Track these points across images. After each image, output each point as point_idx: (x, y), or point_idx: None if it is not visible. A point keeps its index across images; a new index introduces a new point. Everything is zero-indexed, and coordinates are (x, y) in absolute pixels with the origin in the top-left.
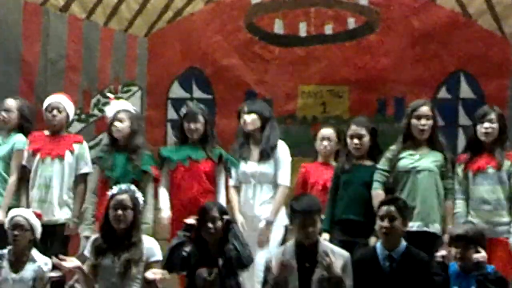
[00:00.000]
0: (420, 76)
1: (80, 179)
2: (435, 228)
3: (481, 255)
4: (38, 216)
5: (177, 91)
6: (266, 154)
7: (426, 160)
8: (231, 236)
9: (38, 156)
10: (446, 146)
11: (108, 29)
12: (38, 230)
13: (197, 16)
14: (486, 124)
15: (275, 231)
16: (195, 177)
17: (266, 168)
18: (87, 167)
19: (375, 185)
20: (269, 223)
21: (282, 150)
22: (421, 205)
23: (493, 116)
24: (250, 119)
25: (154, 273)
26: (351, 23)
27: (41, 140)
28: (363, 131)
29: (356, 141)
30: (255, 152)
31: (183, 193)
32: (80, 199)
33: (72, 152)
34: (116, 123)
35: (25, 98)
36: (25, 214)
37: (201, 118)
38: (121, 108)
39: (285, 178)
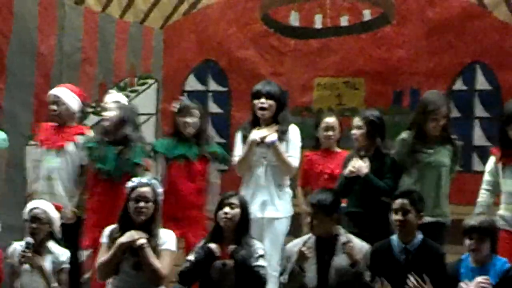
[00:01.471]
0: (436, 67)
1: (82, 170)
2: (446, 220)
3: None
4: (58, 208)
5: (192, 83)
6: (281, 137)
7: (439, 155)
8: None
9: (42, 148)
10: (456, 139)
11: (123, 21)
12: (57, 223)
13: (212, 8)
14: None
15: (280, 223)
16: (189, 176)
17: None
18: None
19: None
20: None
21: (294, 132)
22: (433, 199)
23: None
24: (266, 104)
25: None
26: (367, 14)
27: (47, 132)
28: (360, 123)
29: (355, 131)
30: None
31: (177, 191)
32: (81, 189)
33: (75, 143)
34: (104, 113)
35: (41, 91)
36: (44, 206)
37: (196, 112)
38: (112, 99)
39: (294, 158)
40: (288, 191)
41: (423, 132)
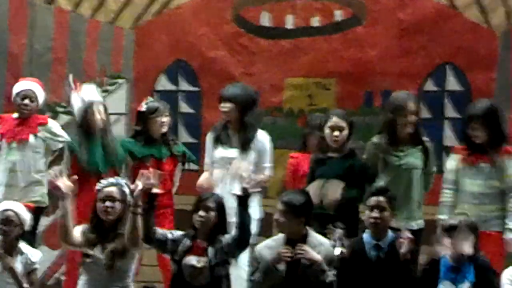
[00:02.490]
0: (407, 68)
1: (57, 156)
2: (419, 224)
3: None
4: (29, 208)
5: (164, 83)
6: (246, 144)
7: (410, 157)
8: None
9: (4, 141)
10: (427, 141)
11: (94, 21)
12: (27, 223)
13: (184, 8)
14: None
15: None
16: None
17: (247, 157)
18: (59, 143)
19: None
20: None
21: (263, 140)
22: (405, 202)
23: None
24: (226, 108)
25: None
26: (338, 15)
27: (9, 124)
28: (343, 124)
29: (336, 133)
30: (234, 138)
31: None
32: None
33: (35, 135)
34: (96, 115)
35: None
36: (16, 208)
37: (167, 112)
38: (93, 99)
39: (268, 167)
40: (257, 194)
41: (394, 134)
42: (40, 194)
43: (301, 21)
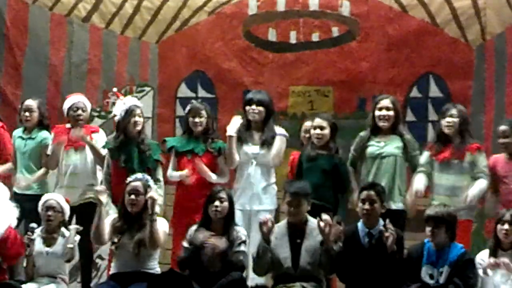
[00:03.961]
0: (395, 77)
1: (103, 158)
2: (398, 206)
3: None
4: (67, 201)
5: (184, 91)
6: (268, 142)
7: (390, 146)
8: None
9: (62, 148)
10: (406, 132)
11: (124, 36)
12: (67, 212)
13: (201, 25)
14: (448, 119)
15: (264, 215)
16: (196, 169)
17: (267, 152)
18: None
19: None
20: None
21: (280, 134)
22: (386, 187)
23: (454, 111)
24: (258, 110)
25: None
26: (335, 31)
27: (64, 133)
28: (324, 124)
29: (318, 131)
30: (257, 137)
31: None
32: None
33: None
34: (137, 119)
35: (52, 97)
36: (57, 198)
37: (204, 113)
38: (134, 104)
39: (277, 158)
40: (274, 187)
41: (376, 128)
42: (94, 193)
43: (303, 37)
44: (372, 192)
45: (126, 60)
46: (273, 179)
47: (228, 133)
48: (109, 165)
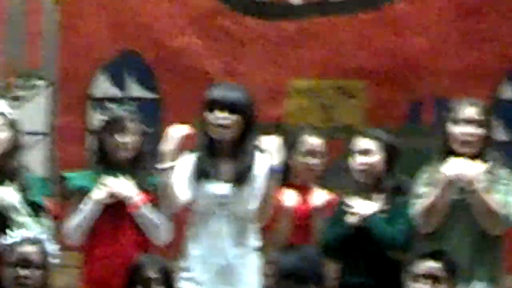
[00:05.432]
0: (472, 65)
1: None
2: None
3: None
4: None
5: (104, 87)
6: (245, 176)
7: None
8: None
9: None
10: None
11: None
12: None
13: None
14: None
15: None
16: (121, 222)
17: (243, 195)
18: None
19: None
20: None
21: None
22: (466, 255)
23: None
24: (230, 121)
25: None
26: None
27: None
28: (372, 146)
29: (362, 159)
30: (226, 167)
31: (104, 246)
32: None
33: None
34: None
35: None
36: None
37: (132, 127)
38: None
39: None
40: (256, 256)
41: (450, 154)
42: None
43: None
44: (437, 265)
45: (1, 33)
46: (254, 242)
47: (160, 149)
48: None
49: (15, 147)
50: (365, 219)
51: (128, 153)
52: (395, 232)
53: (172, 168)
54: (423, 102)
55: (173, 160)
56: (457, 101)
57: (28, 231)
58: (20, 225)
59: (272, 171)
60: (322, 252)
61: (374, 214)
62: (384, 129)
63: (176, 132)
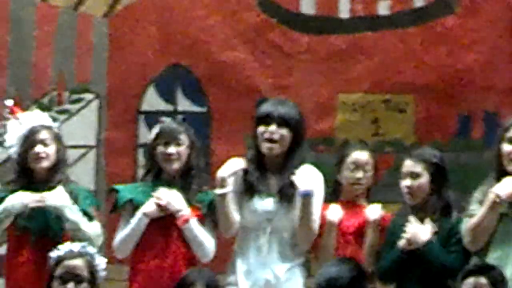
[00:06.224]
0: None
1: None
2: None
3: None
4: None
5: (153, 101)
6: (289, 189)
7: None
8: None
9: None
10: None
11: (48, 5)
12: None
13: None
14: None
15: None
16: (169, 236)
17: (290, 211)
18: None
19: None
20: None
21: (315, 181)
22: None
23: None
24: (280, 135)
25: None
26: None
27: None
28: (418, 168)
29: (408, 182)
30: (274, 182)
31: (151, 259)
32: None
33: None
34: (38, 149)
35: None
36: None
37: (184, 139)
38: (37, 123)
39: (315, 221)
40: (301, 271)
41: (502, 173)
42: None
43: (362, 7)
44: (483, 280)
45: (52, 46)
46: (300, 258)
47: (218, 175)
48: None
49: (61, 160)
50: (422, 246)
51: (178, 165)
52: (453, 261)
53: (228, 193)
54: (472, 116)
55: (227, 185)
56: (511, 119)
57: (76, 245)
58: (75, 224)
59: (305, 195)
60: (379, 278)
61: (430, 242)
62: (433, 145)
63: (236, 164)
